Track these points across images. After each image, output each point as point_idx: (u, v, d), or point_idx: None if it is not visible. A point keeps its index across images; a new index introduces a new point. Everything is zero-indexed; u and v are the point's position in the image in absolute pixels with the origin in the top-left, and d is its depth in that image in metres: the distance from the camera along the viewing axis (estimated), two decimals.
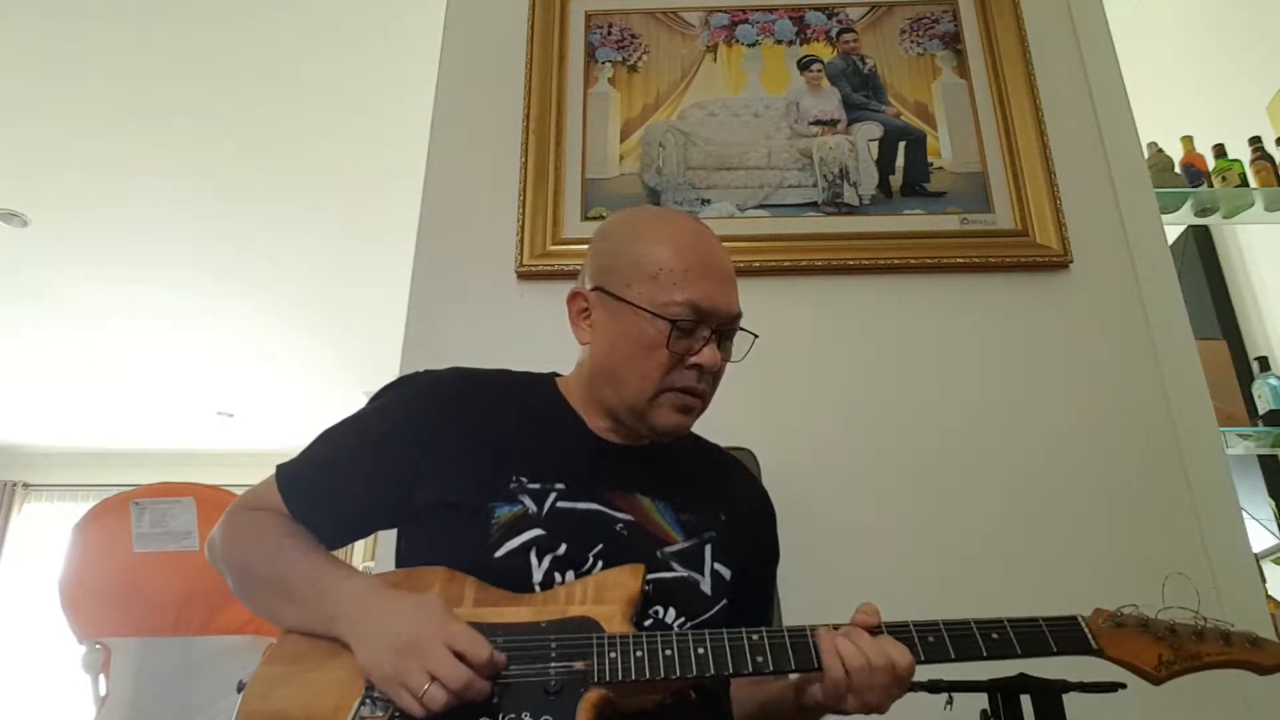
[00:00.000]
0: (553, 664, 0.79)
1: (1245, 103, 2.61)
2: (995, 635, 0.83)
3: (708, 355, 0.95)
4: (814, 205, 1.72)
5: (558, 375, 1.11)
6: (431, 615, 0.79)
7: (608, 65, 1.84)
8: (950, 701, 0.86)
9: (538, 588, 0.88)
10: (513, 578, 0.88)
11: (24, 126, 3.33)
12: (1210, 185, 2.40)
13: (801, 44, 1.87)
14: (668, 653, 0.80)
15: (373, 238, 3.97)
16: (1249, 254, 2.67)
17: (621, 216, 1.08)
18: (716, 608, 0.95)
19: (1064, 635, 0.84)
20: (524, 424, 1.00)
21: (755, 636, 0.83)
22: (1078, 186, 1.72)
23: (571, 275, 1.08)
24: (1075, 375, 1.60)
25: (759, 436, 1.38)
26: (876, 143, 1.77)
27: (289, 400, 5.90)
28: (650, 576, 0.90)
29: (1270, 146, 2.41)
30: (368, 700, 0.77)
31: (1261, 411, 2.28)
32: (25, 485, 6.66)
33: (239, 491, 1.00)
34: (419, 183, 1.75)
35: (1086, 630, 0.84)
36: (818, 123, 1.79)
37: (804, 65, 1.84)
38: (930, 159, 1.75)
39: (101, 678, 1.69)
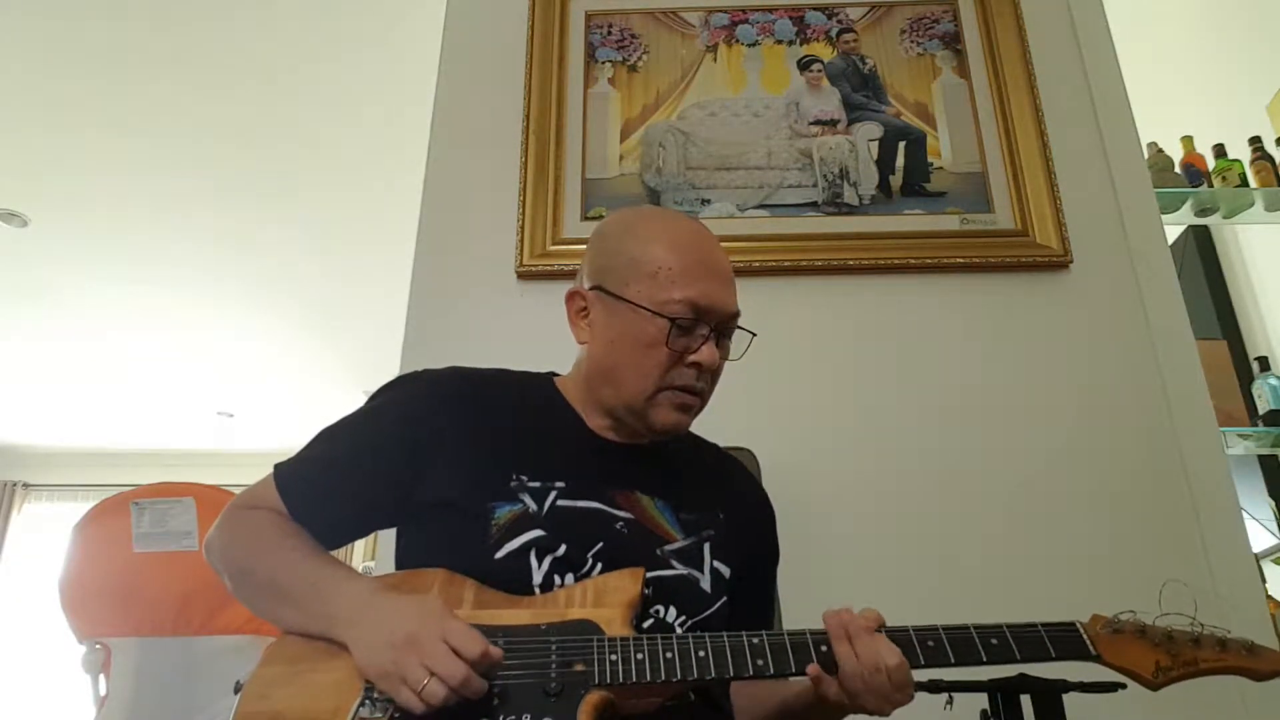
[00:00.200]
0: (553, 666, 0.79)
1: (1245, 103, 2.61)
2: (994, 640, 0.83)
3: (707, 353, 0.96)
4: (814, 205, 1.72)
5: (556, 375, 1.11)
6: (429, 613, 0.79)
7: (608, 65, 1.84)
8: (950, 701, 0.86)
9: (537, 589, 0.88)
10: (512, 579, 0.88)
11: (24, 126, 3.33)
12: (1210, 185, 2.40)
13: (801, 44, 1.87)
14: (668, 655, 0.80)
15: (373, 238, 3.96)
16: (1249, 254, 2.67)
17: (619, 216, 1.08)
18: (716, 605, 0.95)
19: (1063, 641, 0.84)
20: (523, 422, 1.00)
21: (755, 639, 0.83)
22: (1078, 186, 1.72)
23: (571, 275, 1.08)
24: (1075, 375, 1.60)
25: (759, 436, 1.38)
26: (876, 143, 1.77)
27: (289, 400, 5.89)
28: (650, 575, 0.90)
29: (1270, 146, 2.41)
30: (367, 701, 0.77)
31: (1261, 411, 2.28)
32: (25, 485, 6.66)
33: (239, 491, 1.00)
34: (419, 183, 1.75)
35: (1085, 636, 0.84)
36: (818, 123, 1.79)
37: (804, 65, 1.84)
38: (930, 159, 1.75)
39: (101, 678, 1.69)
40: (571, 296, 1.04)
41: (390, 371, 1.21)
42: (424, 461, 0.95)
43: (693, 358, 0.95)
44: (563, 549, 0.90)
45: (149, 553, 1.72)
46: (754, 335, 1.01)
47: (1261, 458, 2.43)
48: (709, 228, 1.05)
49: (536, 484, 0.94)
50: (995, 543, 1.49)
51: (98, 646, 1.69)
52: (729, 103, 1.81)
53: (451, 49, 1.86)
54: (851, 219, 1.70)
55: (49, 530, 6.35)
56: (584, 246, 1.07)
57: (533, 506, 0.92)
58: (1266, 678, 0.82)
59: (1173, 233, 2.71)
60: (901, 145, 1.77)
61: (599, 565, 0.90)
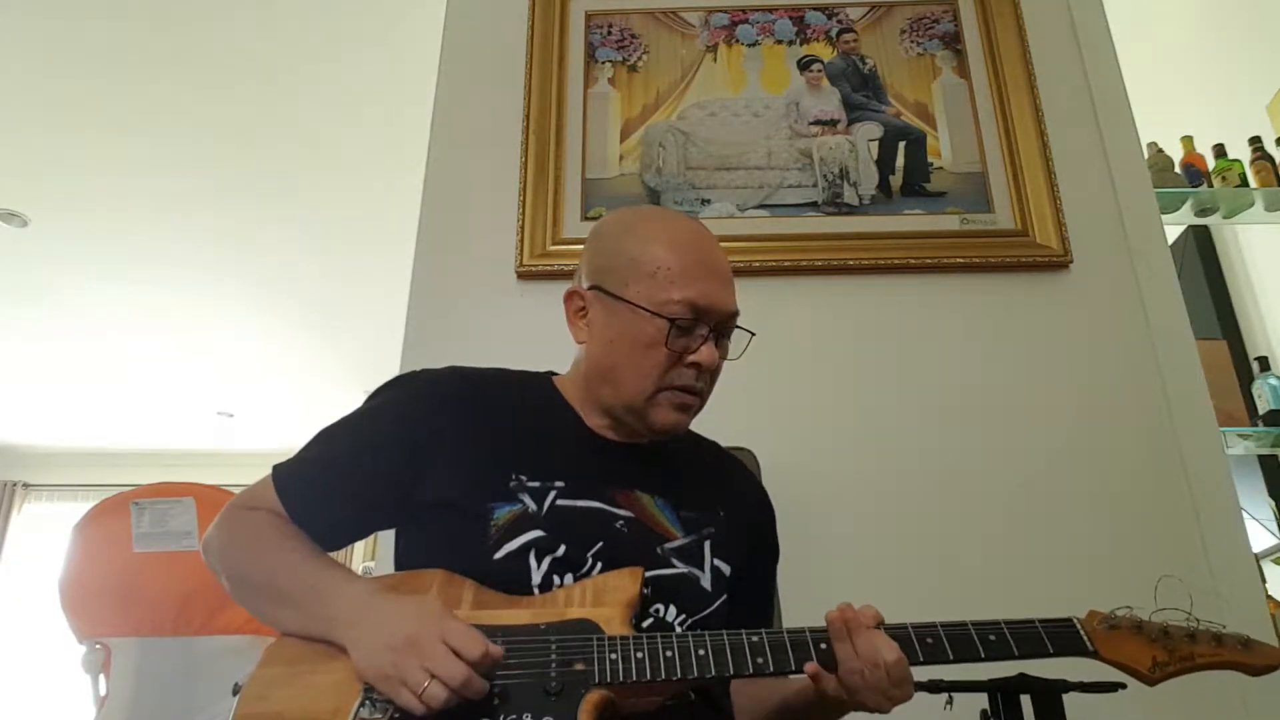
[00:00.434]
0: (553, 665, 0.79)
1: (1245, 103, 2.61)
2: (993, 637, 0.83)
3: (706, 353, 0.96)
4: (814, 205, 1.72)
5: (554, 374, 1.11)
6: (428, 614, 0.78)
7: (608, 65, 1.84)
8: (950, 701, 0.86)
9: (536, 590, 0.88)
10: (512, 579, 0.88)
11: (24, 126, 3.32)
12: (1210, 185, 2.40)
13: (801, 44, 1.87)
14: (668, 654, 0.80)
15: (373, 238, 3.96)
16: (1249, 254, 2.67)
17: (617, 216, 1.08)
18: (716, 603, 0.95)
19: (1060, 637, 0.84)
20: (522, 422, 1.00)
21: (755, 638, 0.83)
22: (1078, 186, 1.72)
23: (571, 275, 1.08)
24: (1075, 375, 1.60)
25: (759, 436, 1.38)
26: (876, 143, 1.77)
27: (289, 400, 5.89)
28: (650, 573, 0.90)
29: (1270, 146, 2.41)
30: (367, 702, 0.77)
31: (1261, 411, 2.28)
32: (25, 485, 6.65)
33: (238, 492, 0.99)
34: (419, 183, 1.75)
35: (1082, 632, 0.85)
36: (818, 123, 1.79)
37: (804, 65, 1.84)
38: (930, 159, 1.75)
39: (101, 678, 1.68)
40: (570, 296, 1.04)
41: (390, 371, 1.21)
42: (423, 461, 0.94)
43: (692, 358, 0.95)
44: (562, 549, 0.90)
45: (149, 553, 1.72)
46: (753, 335, 1.01)
47: (1261, 458, 2.43)
48: (709, 228, 1.05)
49: (536, 484, 0.94)
50: (995, 543, 1.49)
51: (98, 646, 1.69)
52: (729, 103, 1.81)
53: (451, 49, 1.87)
54: (851, 219, 1.70)
55: (49, 530, 6.34)
56: (583, 247, 1.07)
57: (532, 506, 0.92)
58: (1262, 672, 0.82)
59: (1173, 233, 2.71)
60: (901, 145, 1.77)
61: (599, 565, 0.90)
